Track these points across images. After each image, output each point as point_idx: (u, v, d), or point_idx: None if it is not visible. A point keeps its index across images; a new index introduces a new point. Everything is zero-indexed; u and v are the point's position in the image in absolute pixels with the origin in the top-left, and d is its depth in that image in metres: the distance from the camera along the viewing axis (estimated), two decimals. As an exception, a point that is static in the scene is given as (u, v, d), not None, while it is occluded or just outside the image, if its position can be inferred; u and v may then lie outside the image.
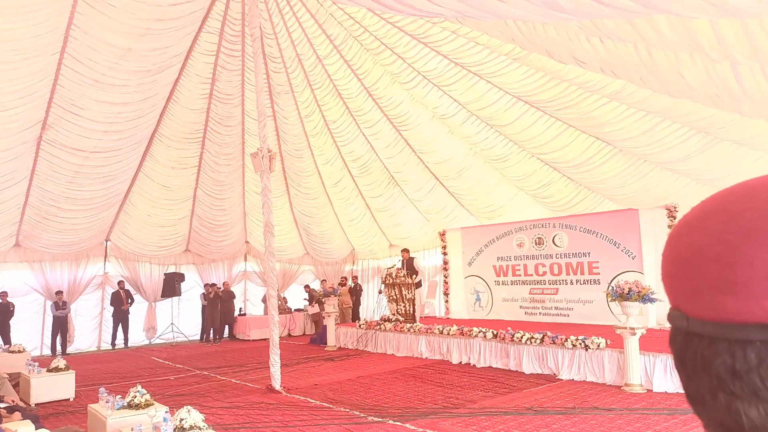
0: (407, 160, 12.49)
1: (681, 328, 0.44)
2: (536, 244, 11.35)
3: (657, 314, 8.80)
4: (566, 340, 7.75)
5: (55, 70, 8.82)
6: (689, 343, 0.43)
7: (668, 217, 9.40)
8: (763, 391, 0.38)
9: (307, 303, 15.23)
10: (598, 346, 7.42)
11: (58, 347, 12.20)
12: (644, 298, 6.77)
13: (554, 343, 7.92)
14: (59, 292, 12.24)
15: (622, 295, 6.90)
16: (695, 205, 0.47)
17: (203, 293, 14.18)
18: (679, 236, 0.45)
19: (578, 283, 10.59)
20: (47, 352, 12.12)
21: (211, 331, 14.00)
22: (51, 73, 8.80)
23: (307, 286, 15.57)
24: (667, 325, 0.47)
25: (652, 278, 8.70)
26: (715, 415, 0.41)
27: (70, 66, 8.84)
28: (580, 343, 7.57)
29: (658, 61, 5.04)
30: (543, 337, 8.07)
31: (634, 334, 6.70)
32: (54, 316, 12.21)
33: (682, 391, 0.46)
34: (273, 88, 11.82)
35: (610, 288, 7.27)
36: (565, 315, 10.68)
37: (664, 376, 6.67)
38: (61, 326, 12.24)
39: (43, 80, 8.76)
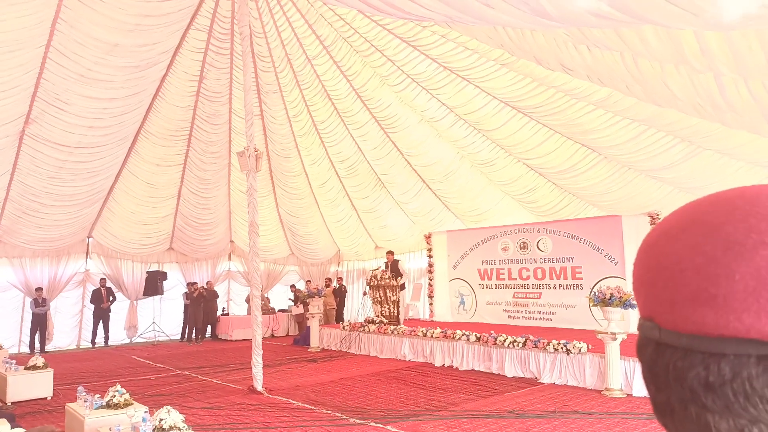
0: (394, 162, 12.51)
1: (652, 338, 0.43)
2: (521, 248, 11.43)
3: (638, 320, 8.90)
4: (548, 344, 7.81)
5: (40, 64, 8.70)
6: (661, 354, 0.42)
7: (651, 224, 9.52)
8: (735, 405, 0.38)
9: (291, 303, 15.17)
10: (580, 350, 7.48)
11: (37, 345, 12.00)
12: (626, 303, 6.85)
13: (536, 347, 7.98)
14: (39, 289, 12.05)
15: (604, 301, 6.98)
16: (670, 213, 0.46)
17: (186, 292, 14.06)
18: (656, 245, 0.44)
19: (561, 288, 10.68)
20: (25, 349, 11.92)
21: (194, 331, 13.88)
22: (36, 66, 8.68)
23: (293, 286, 15.51)
24: None
25: (634, 284, 8.79)
26: (684, 427, 0.41)
27: (56, 60, 8.72)
28: (562, 348, 7.64)
29: (644, 70, 5.11)
30: (525, 340, 8.13)
31: (615, 339, 6.78)
32: (33, 313, 12.02)
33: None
34: (261, 87, 11.77)
35: (593, 293, 7.34)
36: (547, 319, 10.76)
37: (643, 382, 6.74)
38: (40, 323, 12.05)
39: (27, 73, 8.63)
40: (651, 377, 0.44)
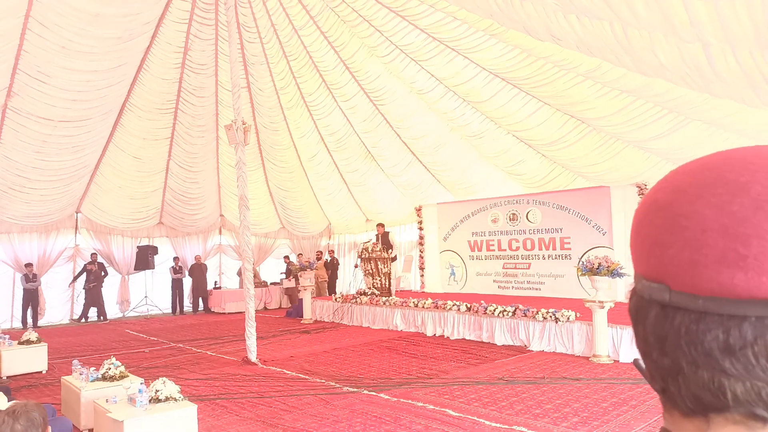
0: (384, 135, 12.46)
1: (658, 300, 0.42)
2: (510, 219, 11.52)
3: (625, 288, 9.08)
4: (537, 313, 7.96)
5: (20, 35, 8.49)
6: (669, 316, 0.41)
7: (639, 195, 9.61)
8: (756, 368, 0.38)
9: (284, 277, 15.26)
10: (568, 318, 7.64)
11: (29, 320, 12.02)
12: (613, 272, 6.97)
13: (525, 316, 8.13)
14: (29, 265, 12.00)
15: (592, 270, 7.09)
16: (674, 171, 0.45)
17: (172, 266, 14.14)
18: (671, 205, 0.42)
19: (550, 258, 10.82)
20: (17, 324, 11.94)
21: (185, 303, 14.13)
22: (15, 37, 8.47)
23: (286, 257, 15.52)
24: None
25: (622, 254, 8.93)
26: (691, 390, 0.41)
27: (36, 31, 8.52)
28: (551, 316, 7.79)
29: (633, 40, 5.11)
30: (515, 310, 8.28)
31: (603, 307, 6.92)
32: (24, 289, 12.00)
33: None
34: (247, 58, 11.59)
35: (581, 263, 7.45)
36: (536, 289, 10.93)
37: (630, 348, 6.91)
38: (31, 299, 12.05)
39: (7, 45, 8.43)
40: (655, 340, 0.43)
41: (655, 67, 5.59)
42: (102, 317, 12.86)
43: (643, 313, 0.44)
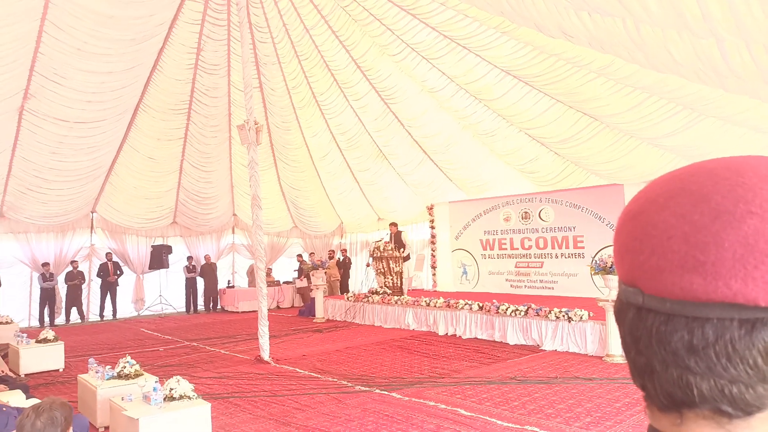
0: (395, 133, 12.45)
1: (634, 303, 0.45)
2: (522, 218, 11.47)
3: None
4: (550, 312, 7.92)
5: (36, 38, 8.62)
6: (643, 318, 0.44)
7: (652, 193, 9.52)
8: (717, 367, 0.40)
9: (296, 275, 15.33)
10: (581, 318, 7.59)
11: (46, 318, 12.21)
12: (626, 271, 6.90)
13: (538, 315, 8.09)
14: (46, 264, 12.19)
15: (605, 269, 7.04)
16: (651, 182, 0.48)
17: (186, 266, 14.28)
18: (641, 213, 0.45)
19: (563, 257, 10.76)
20: (35, 323, 12.13)
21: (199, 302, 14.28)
22: (32, 40, 8.60)
23: (299, 256, 15.58)
24: None
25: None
26: (663, 388, 0.44)
27: (52, 33, 8.64)
28: (564, 315, 7.74)
29: (646, 36, 5.05)
30: (527, 309, 8.24)
31: (616, 306, 6.86)
32: (41, 288, 12.19)
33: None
34: (259, 58, 11.66)
35: (594, 262, 7.41)
36: (549, 288, 10.87)
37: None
38: (48, 298, 12.24)
39: (24, 47, 8.55)
40: (632, 341, 0.46)
41: (669, 64, 5.53)
42: (82, 319, 12.75)
43: (623, 315, 0.47)
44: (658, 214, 0.44)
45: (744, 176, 0.42)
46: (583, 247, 10.43)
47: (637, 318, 0.45)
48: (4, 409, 3.66)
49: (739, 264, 0.39)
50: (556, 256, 10.87)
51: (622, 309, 0.48)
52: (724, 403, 0.41)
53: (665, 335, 0.42)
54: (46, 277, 12.14)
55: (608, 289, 7.01)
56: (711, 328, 0.40)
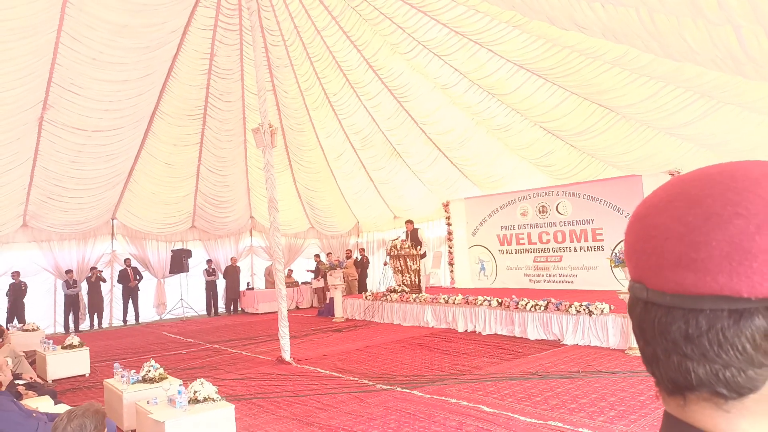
0: (409, 131, 12.45)
1: (641, 298, 0.50)
2: (540, 212, 11.39)
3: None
4: (570, 306, 7.85)
5: (53, 49, 8.77)
6: (648, 311, 0.49)
7: (671, 183, 9.39)
8: (710, 353, 0.45)
9: (312, 276, 15.40)
10: (602, 311, 7.52)
11: (71, 325, 12.43)
12: (647, 263, 6.82)
13: (558, 309, 8.03)
14: (69, 271, 12.41)
15: (625, 261, 6.96)
16: (658, 187, 0.52)
17: (205, 269, 14.44)
18: (645, 217, 0.50)
19: (582, 250, 10.66)
20: (60, 329, 12.36)
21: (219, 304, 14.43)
22: (49, 51, 8.75)
23: (317, 256, 15.65)
24: None
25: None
26: (667, 374, 0.49)
27: (68, 44, 8.78)
28: (584, 309, 7.67)
29: (660, 25, 4.99)
30: (547, 304, 8.18)
31: (637, 299, 6.78)
32: (66, 295, 12.41)
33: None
34: (272, 61, 11.73)
35: (614, 254, 7.34)
36: (569, 282, 10.78)
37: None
38: (72, 304, 12.46)
39: (41, 59, 8.71)
40: (640, 332, 0.51)
41: (685, 52, 5.45)
42: (100, 325, 12.87)
43: (633, 309, 0.53)
44: (658, 216, 0.49)
45: (736, 180, 0.46)
46: (602, 240, 10.33)
47: (644, 311, 0.50)
48: (34, 414, 3.74)
49: (726, 261, 0.43)
50: (575, 250, 10.78)
51: (632, 303, 0.53)
52: (719, 386, 0.45)
53: (666, 326, 0.47)
54: (70, 284, 12.36)
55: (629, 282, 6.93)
56: (704, 318, 0.45)
